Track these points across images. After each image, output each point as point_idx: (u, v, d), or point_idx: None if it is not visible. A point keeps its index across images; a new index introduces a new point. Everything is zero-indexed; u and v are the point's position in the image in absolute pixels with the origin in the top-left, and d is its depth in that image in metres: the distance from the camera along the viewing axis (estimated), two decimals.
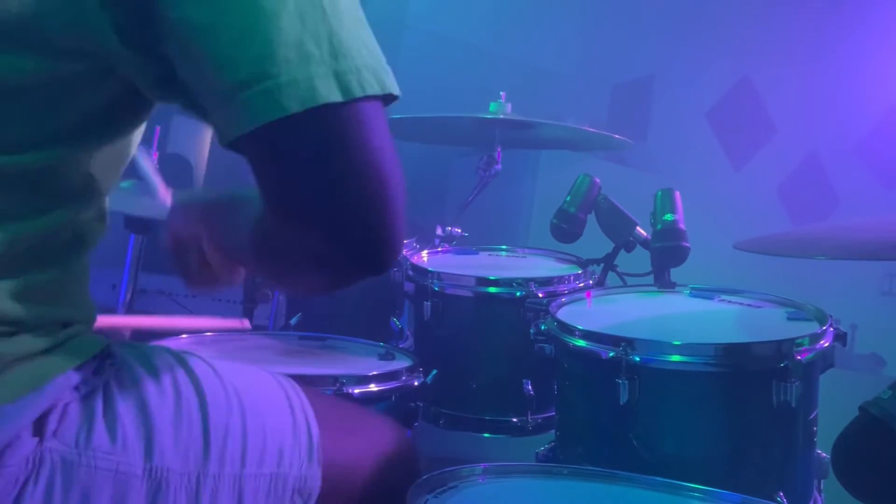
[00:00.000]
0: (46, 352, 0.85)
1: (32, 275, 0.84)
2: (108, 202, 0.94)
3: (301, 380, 1.48)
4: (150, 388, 0.94)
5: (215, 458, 0.95)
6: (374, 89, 0.81)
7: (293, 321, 2.12)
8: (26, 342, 0.83)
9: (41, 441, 0.83)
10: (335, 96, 0.78)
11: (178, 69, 0.79)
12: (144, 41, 0.78)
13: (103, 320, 1.43)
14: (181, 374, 0.98)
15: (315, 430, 1.04)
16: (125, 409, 0.90)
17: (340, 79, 0.78)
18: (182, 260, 1.07)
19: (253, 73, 0.76)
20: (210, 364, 1.03)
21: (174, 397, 0.95)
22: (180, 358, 1.01)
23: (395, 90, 0.84)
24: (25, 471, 0.82)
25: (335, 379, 1.48)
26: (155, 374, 0.96)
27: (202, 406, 0.96)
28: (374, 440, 1.13)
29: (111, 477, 0.87)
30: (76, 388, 0.87)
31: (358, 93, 0.79)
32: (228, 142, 0.80)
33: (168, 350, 1.02)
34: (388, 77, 0.83)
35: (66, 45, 0.78)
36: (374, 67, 0.81)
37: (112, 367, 0.92)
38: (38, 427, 0.83)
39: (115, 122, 0.87)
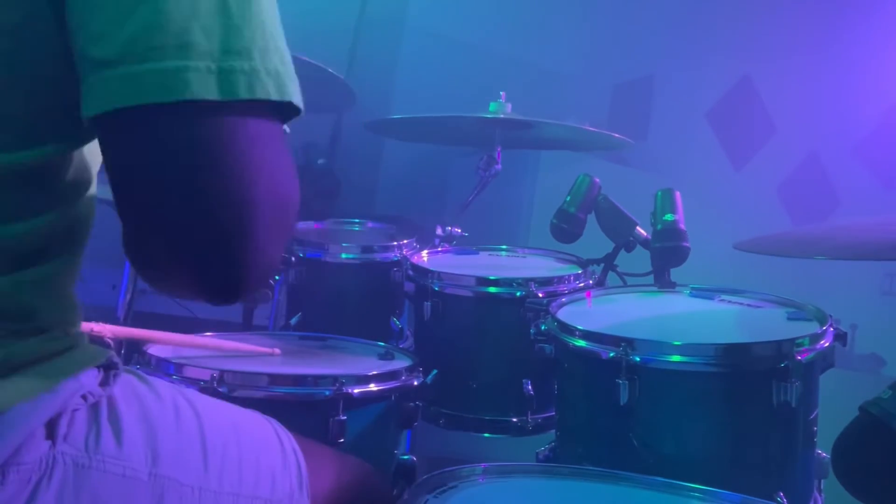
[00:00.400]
0: (56, 355, 0.86)
1: (39, 269, 0.84)
2: (97, 188, 0.93)
3: (301, 380, 1.49)
4: (151, 401, 0.96)
5: (214, 475, 0.96)
6: (265, 94, 0.74)
7: (293, 321, 2.12)
8: (37, 345, 0.84)
9: (53, 444, 0.84)
10: (210, 94, 0.72)
11: (69, 41, 0.75)
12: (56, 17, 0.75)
13: (121, 330, 1.44)
14: (179, 397, 1.01)
15: (303, 464, 1.07)
16: (129, 417, 0.92)
17: (224, 76, 0.73)
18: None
19: (122, 53, 0.71)
20: (203, 395, 1.06)
21: (174, 413, 0.97)
22: (177, 387, 1.04)
23: (297, 101, 0.78)
24: (38, 472, 0.83)
25: (335, 379, 1.48)
26: (155, 392, 0.98)
27: (200, 426, 0.98)
28: (355, 479, 1.17)
29: (119, 481, 0.88)
30: (83, 396, 0.88)
31: (243, 94, 0.73)
32: (86, 118, 0.74)
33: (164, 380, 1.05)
34: (292, 86, 0.77)
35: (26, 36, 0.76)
36: (276, 72, 0.75)
37: (115, 378, 0.94)
38: (50, 431, 0.84)
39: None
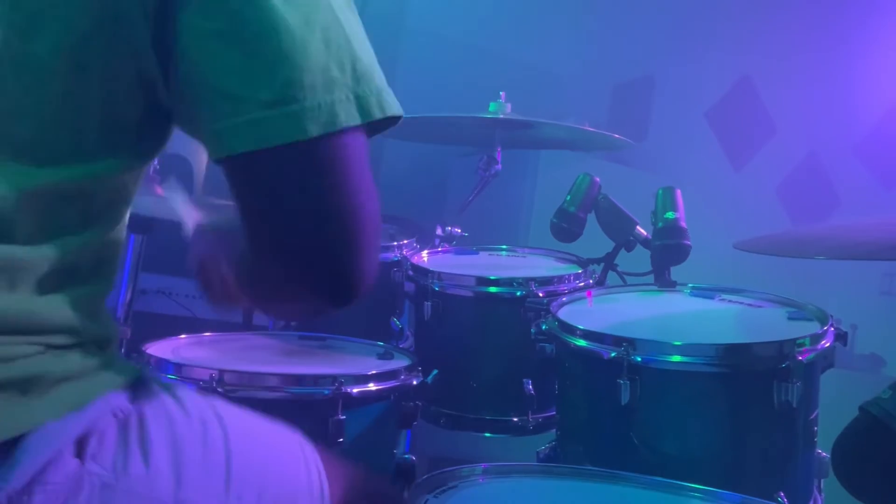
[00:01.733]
0: (89, 373, 0.87)
1: (78, 288, 0.86)
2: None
3: (301, 379, 1.49)
4: (179, 420, 0.96)
5: (235, 495, 0.96)
6: (392, 110, 0.84)
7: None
8: (74, 361, 0.85)
9: (82, 463, 0.84)
10: (353, 120, 0.81)
11: (188, 81, 0.81)
12: (169, 52, 0.81)
13: None
14: (208, 413, 1.00)
15: (326, 486, 1.07)
16: (157, 438, 0.92)
17: (361, 102, 0.82)
18: (205, 281, 1.10)
19: (281, 95, 0.79)
20: (232, 406, 1.06)
21: (202, 434, 0.97)
22: (204, 397, 1.03)
23: (399, 110, 0.86)
24: (66, 491, 0.83)
25: (335, 378, 1.47)
26: (184, 408, 0.98)
27: (226, 445, 0.98)
28: (369, 494, 1.16)
29: (143, 503, 0.88)
30: (114, 414, 0.89)
31: (376, 115, 0.83)
32: (232, 154, 0.81)
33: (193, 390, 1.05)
34: (392, 97, 0.86)
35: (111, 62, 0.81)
36: (387, 89, 0.85)
37: (146, 394, 0.94)
38: (79, 449, 0.85)
39: (151, 137, 0.89)
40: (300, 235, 0.83)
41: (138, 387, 0.93)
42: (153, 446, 0.90)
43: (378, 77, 0.85)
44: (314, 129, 0.80)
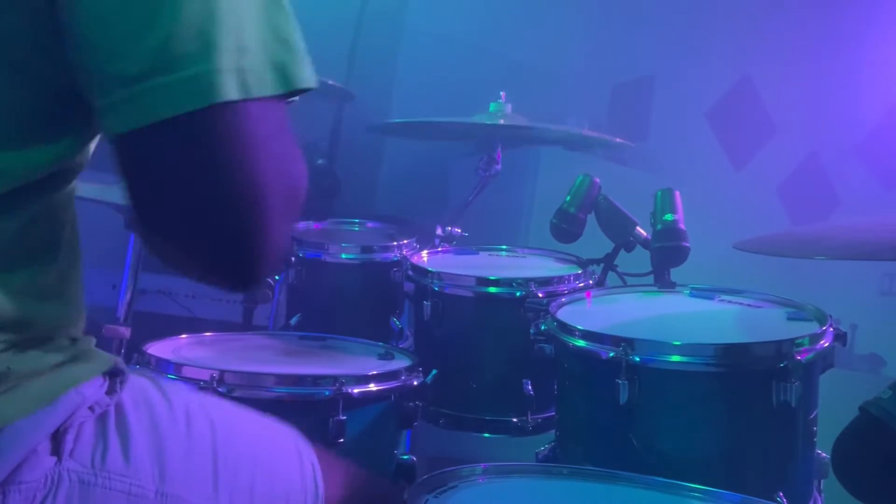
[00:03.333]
0: (57, 367, 0.84)
1: (27, 273, 0.82)
2: (104, 194, 0.92)
3: (301, 380, 1.49)
4: (162, 411, 0.94)
5: (224, 491, 0.94)
6: (274, 88, 0.76)
7: (293, 321, 2.12)
8: (39, 357, 0.82)
9: (59, 460, 0.83)
10: (234, 94, 0.73)
11: (74, 58, 0.75)
12: (54, 28, 0.75)
13: None
14: (194, 405, 0.98)
15: (321, 482, 1.05)
16: (138, 430, 0.90)
17: (242, 75, 0.74)
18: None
19: (149, 67, 0.71)
20: (223, 401, 1.04)
21: (186, 425, 0.94)
22: (192, 390, 1.01)
23: (308, 83, 0.79)
24: (44, 489, 0.81)
25: (335, 379, 1.48)
26: (167, 398, 0.96)
27: (213, 437, 0.96)
28: (367, 492, 1.15)
29: (124, 499, 0.86)
30: (90, 407, 0.87)
31: (255, 93, 0.74)
32: (112, 136, 0.75)
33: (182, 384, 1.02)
34: (299, 70, 0.78)
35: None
36: (281, 64, 0.76)
37: (122, 385, 0.92)
38: (56, 446, 0.83)
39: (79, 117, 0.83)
40: (190, 220, 0.76)
41: (115, 377, 0.91)
42: (133, 439, 0.88)
43: (271, 50, 0.75)
44: (187, 103, 0.72)
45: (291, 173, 0.79)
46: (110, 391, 0.90)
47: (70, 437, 0.84)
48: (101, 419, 0.88)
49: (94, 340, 0.92)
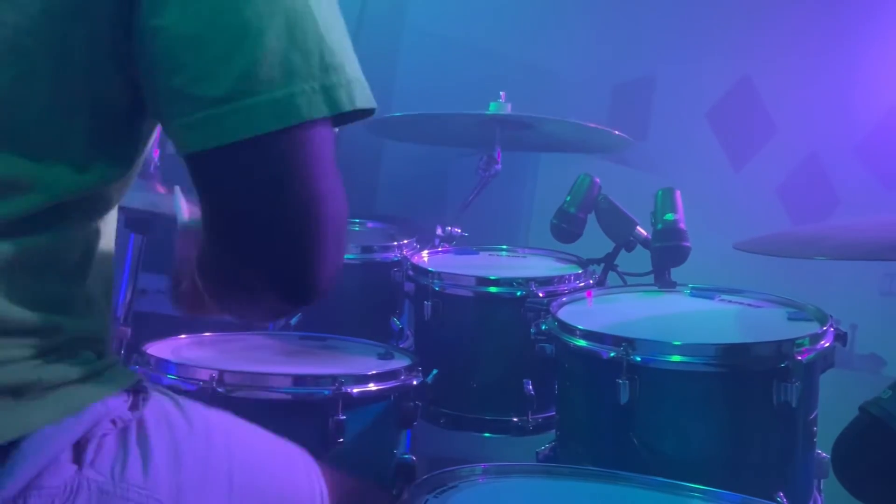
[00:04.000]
0: (84, 379, 0.86)
1: (57, 285, 0.84)
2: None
3: (301, 379, 1.49)
4: (181, 429, 0.95)
5: None
6: (364, 102, 0.81)
7: (293, 321, 2.12)
8: (65, 369, 0.84)
9: (80, 469, 0.84)
10: (320, 112, 0.78)
11: (149, 79, 0.79)
12: (123, 53, 0.78)
13: None
14: (212, 425, 0.99)
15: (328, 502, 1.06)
16: (158, 446, 0.91)
17: (328, 93, 0.79)
18: (176, 280, 1.08)
19: (234, 89, 0.76)
20: (240, 421, 1.05)
21: (204, 443, 0.96)
22: (209, 408, 1.03)
23: (374, 103, 0.84)
24: (63, 496, 0.82)
25: (334, 378, 1.48)
26: (187, 418, 0.97)
27: (229, 459, 0.97)
28: None
29: None
30: (113, 421, 0.88)
31: (347, 107, 0.80)
32: (194, 152, 0.79)
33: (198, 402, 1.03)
34: (368, 90, 0.83)
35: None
36: (360, 80, 0.82)
37: (146, 402, 0.93)
38: (77, 455, 0.84)
39: (136, 137, 0.87)
40: (258, 233, 0.81)
41: (139, 394, 0.92)
42: (153, 454, 0.89)
43: (350, 67, 0.81)
44: (270, 124, 0.77)
45: (341, 195, 0.83)
46: (133, 407, 0.91)
47: (92, 448, 0.85)
48: (123, 433, 0.89)
49: (120, 358, 0.92)
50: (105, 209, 0.89)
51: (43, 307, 0.82)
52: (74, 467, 0.83)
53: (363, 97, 0.82)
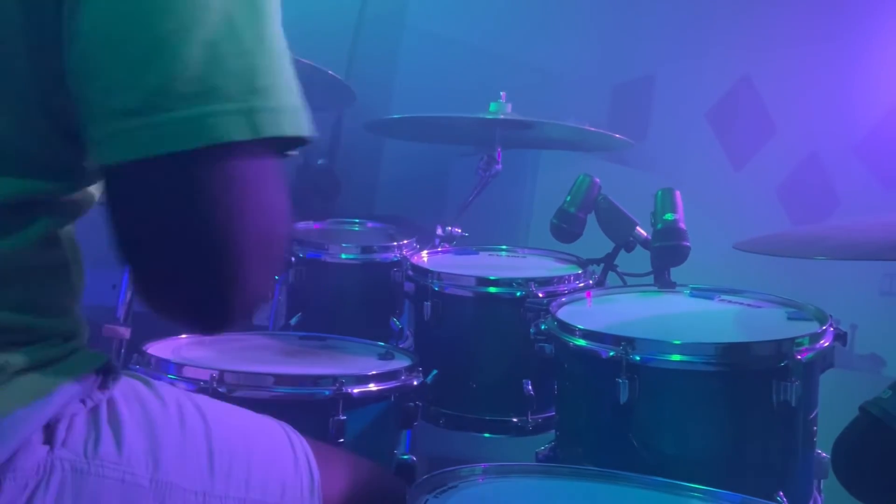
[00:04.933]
0: (52, 362, 0.85)
1: (34, 287, 0.84)
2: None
3: (301, 380, 1.49)
4: (154, 405, 0.95)
5: (220, 480, 0.95)
6: (290, 130, 0.77)
7: (293, 321, 2.12)
8: (33, 353, 0.83)
9: (51, 449, 0.84)
10: (240, 135, 0.74)
11: (71, 84, 0.77)
12: (54, 55, 0.76)
13: None
14: (185, 401, 1.00)
15: (315, 471, 1.06)
16: (131, 421, 0.91)
17: (250, 117, 0.75)
18: None
19: (146, 103, 0.73)
20: (214, 400, 1.06)
21: (178, 417, 0.96)
22: (184, 391, 1.03)
23: (309, 133, 0.80)
24: (36, 477, 0.82)
25: (335, 379, 1.48)
26: (159, 395, 0.97)
27: (206, 430, 0.97)
28: (370, 485, 1.16)
29: (118, 487, 0.87)
30: (82, 400, 0.88)
31: (268, 132, 0.76)
32: (101, 165, 0.77)
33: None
34: (304, 119, 0.80)
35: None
36: (293, 108, 0.78)
37: (115, 381, 0.93)
38: (48, 436, 0.84)
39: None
40: (166, 254, 0.78)
41: (108, 375, 0.92)
42: (126, 429, 0.89)
43: (281, 93, 0.77)
44: (181, 143, 0.73)
45: (270, 222, 0.80)
46: (102, 387, 0.91)
47: (62, 427, 0.85)
48: (93, 412, 0.89)
49: (85, 338, 0.92)
50: (75, 214, 0.88)
51: (13, 311, 0.82)
52: (46, 448, 0.83)
53: (292, 125, 0.78)
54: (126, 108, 0.73)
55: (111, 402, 0.91)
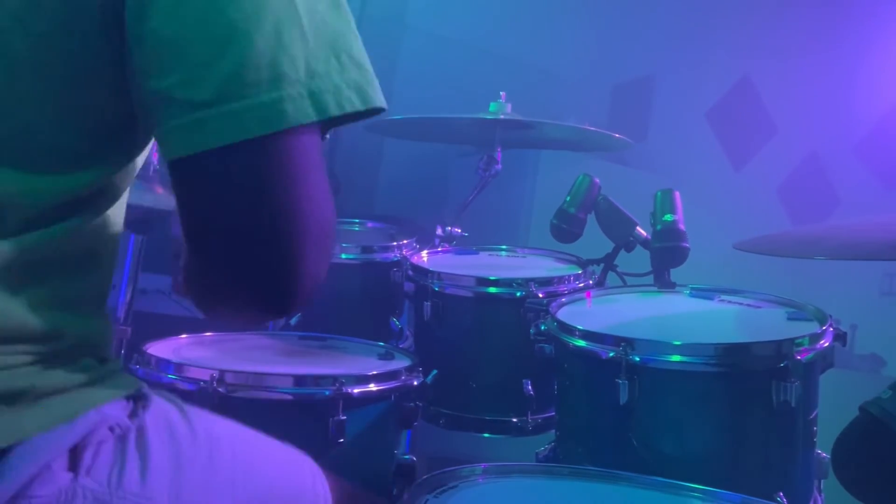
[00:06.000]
0: (80, 387, 0.84)
1: (62, 285, 0.83)
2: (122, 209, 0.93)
3: (301, 380, 1.49)
4: (184, 439, 0.93)
5: None
6: (353, 106, 0.79)
7: (293, 321, 2.12)
8: (62, 376, 0.82)
9: (76, 476, 0.82)
10: (308, 117, 0.77)
11: (137, 85, 0.78)
12: (111, 61, 0.78)
13: None
14: (217, 433, 0.97)
15: None
16: (158, 453, 0.89)
17: (315, 98, 0.77)
18: (175, 266, 1.05)
19: (219, 93, 0.75)
20: (246, 429, 1.03)
21: (208, 454, 0.94)
22: (215, 416, 1.01)
23: (381, 102, 0.82)
24: None
25: (335, 379, 1.48)
26: (191, 426, 0.95)
27: (233, 472, 0.95)
28: None
29: None
30: (110, 428, 0.86)
31: (333, 111, 0.78)
32: (178, 157, 0.78)
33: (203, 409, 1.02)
34: (372, 90, 0.81)
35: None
36: (356, 84, 0.80)
37: (146, 409, 0.91)
38: (73, 462, 0.83)
39: (131, 139, 0.87)
40: (239, 241, 0.79)
41: (140, 401, 0.91)
42: (152, 462, 0.87)
43: (346, 70, 0.79)
44: (257, 129, 0.75)
45: (331, 207, 0.82)
46: (132, 415, 0.89)
47: (88, 455, 0.83)
48: (121, 440, 0.87)
49: (120, 363, 0.91)
50: (109, 203, 0.88)
51: (45, 309, 0.81)
52: (70, 475, 0.82)
53: (355, 101, 0.80)
54: (201, 100, 0.75)
55: (140, 430, 0.89)
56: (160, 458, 0.88)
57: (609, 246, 2.05)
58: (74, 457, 0.83)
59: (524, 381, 1.85)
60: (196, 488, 0.90)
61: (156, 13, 0.75)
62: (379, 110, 0.83)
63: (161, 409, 0.94)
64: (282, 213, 0.78)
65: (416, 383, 1.59)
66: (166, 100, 0.77)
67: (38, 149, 0.79)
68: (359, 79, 0.81)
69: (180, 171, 0.79)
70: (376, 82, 0.83)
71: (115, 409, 0.87)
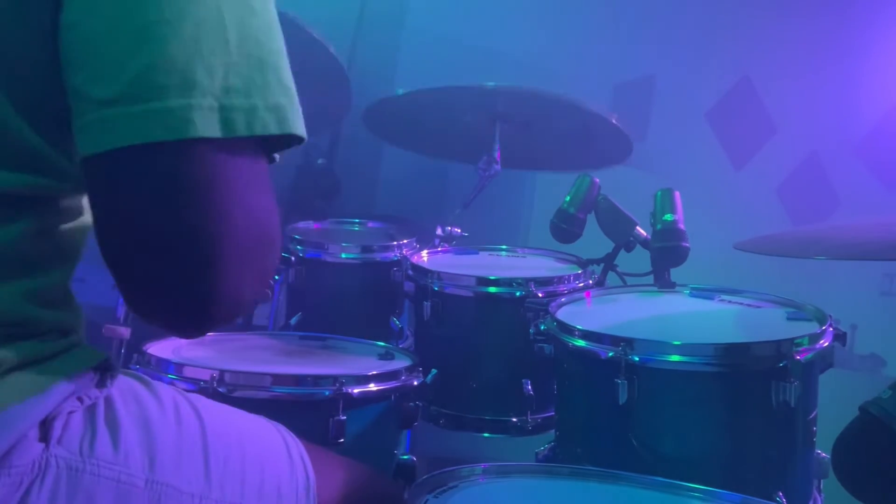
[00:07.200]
0: (49, 358, 0.85)
1: (36, 277, 0.84)
2: None
3: (301, 380, 1.49)
4: (151, 405, 0.94)
5: (216, 483, 0.95)
6: (265, 129, 0.76)
7: (293, 321, 2.12)
8: (30, 348, 0.83)
9: (47, 447, 0.83)
10: (212, 132, 0.73)
11: (64, 77, 0.77)
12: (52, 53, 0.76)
13: None
14: (182, 401, 0.99)
15: (311, 473, 1.06)
16: (127, 421, 0.90)
17: (225, 114, 0.74)
18: None
19: (124, 93, 0.73)
20: (210, 400, 1.05)
21: (175, 418, 0.95)
22: (181, 391, 1.02)
23: (299, 131, 0.79)
24: (31, 474, 0.82)
25: (335, 379, 1.48)
26: (156, 395, 0.97)
27: (202, 432, 0.96)
28: (366, 488, 1.16)
29: (113, 486, 0.86)
30: (79, 398, 0.87)
31: (241, 132, 0.75)
32: (85, 156, 0.76)
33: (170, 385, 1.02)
34: (293, 117, 0.79)
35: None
36: (277, 106, 0.77)
37: (113, 380, 0.93)
38: (44, 433, 0.83)
39: None
40: (143, 251, 0.76)
41: (105, 372, 0.91)
42: (122, 428, 0.88)
43: (263, 93, 0.76)
44: (161, 133, 0.72)
45: (256, 223, 0.78)
46: (100, 385, 0.91)
47: (58, 425, 0.84)
48: (90, 410, 0.88)
49: (83, 334, 0.92)
50: (73, 199, 0.87)
51: (10, 303, 0.81)
52: (42, 445, 0.83)
53: (279, 123, 0.77)
54: (107, 98, 0.73)
55: (108, 401, 0.91)
56: (129, 425, 0.90)
57: (609, 246, 2.05)
58: (44, 427, 0.83)
59: (524, 380, 1.84)
60: (167, 451, 0.91)
61: (72, 6, 0.74)
62: (299, 140, 0.80)
63: (126, 381, 0.95)
64: (194, 227, 0.75)
65: (415, 383, 1.59)
66: (78, 95, 0.75)
67: (9, 144, 0.78)
68: (282, 102, 0.78)
69: (87, 170, 0.77)
70: (300, 110, 0.80)
71: (83, 379, 0.88)
